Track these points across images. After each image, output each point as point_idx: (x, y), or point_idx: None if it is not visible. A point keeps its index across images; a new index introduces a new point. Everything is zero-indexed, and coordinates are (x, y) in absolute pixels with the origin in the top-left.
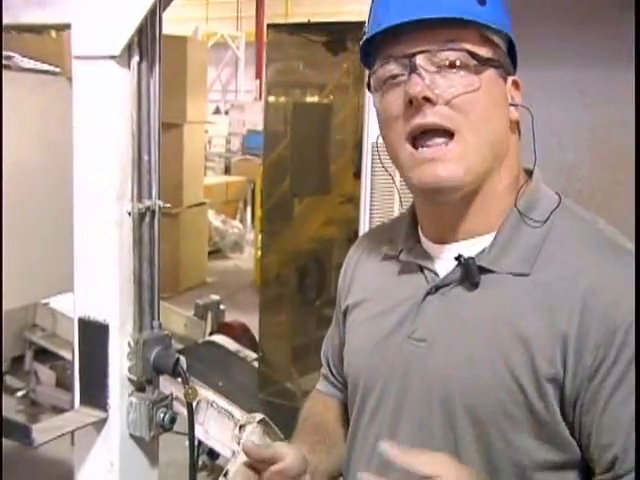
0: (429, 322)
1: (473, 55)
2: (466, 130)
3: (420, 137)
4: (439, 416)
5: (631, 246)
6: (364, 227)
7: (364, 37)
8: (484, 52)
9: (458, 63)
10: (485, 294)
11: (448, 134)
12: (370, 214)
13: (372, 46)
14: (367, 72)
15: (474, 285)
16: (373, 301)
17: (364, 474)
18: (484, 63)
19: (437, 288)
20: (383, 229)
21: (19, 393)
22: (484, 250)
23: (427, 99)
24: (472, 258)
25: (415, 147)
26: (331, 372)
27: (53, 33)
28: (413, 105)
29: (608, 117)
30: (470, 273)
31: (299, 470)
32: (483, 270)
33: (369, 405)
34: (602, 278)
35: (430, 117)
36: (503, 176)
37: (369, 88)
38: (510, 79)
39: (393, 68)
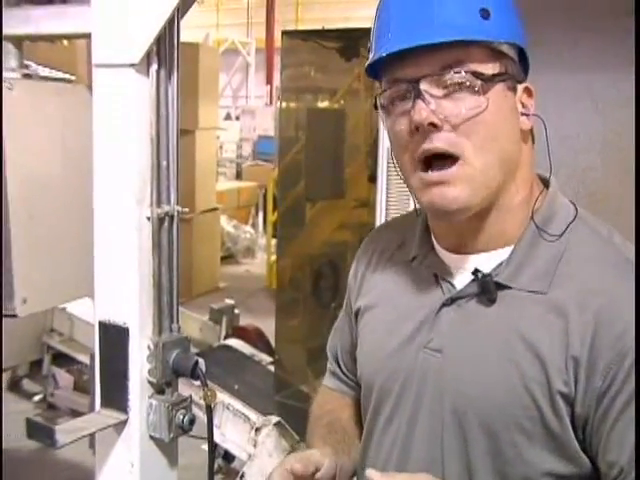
0: (445, 333)
1: (478, 75)
2: (472, 153)
3: (429, 160)
4: (451, 428)
5: None
6: None
7: (368, 60)
8: (490, 68)
9: (463, 86)
10: (501, 310)
11: (455, 157)
12: (386, 218)
13: (378, 63)
14: (375, 92)
15: (491, 301)
16: (386, 306)
17: (372, 471)
18: (490, 80)
19: (453, 300)
20: (393, 229)
21: (36, 397)
22: (501, 263)
23: (433, 125)
24: (489, 275)
25: (425, 170)
26: (340, 369)
27: (65, 41)
28: (419, 131)
29: (620, 121)
30: (487, 290)
31: (332, 476)
32: (500, 286)
33: (384, 411)
34: (614, 301)
35: (435, 142)
36: (519, 187)
37: (376, 108)
38: (521, 87)
39: (399, 91)
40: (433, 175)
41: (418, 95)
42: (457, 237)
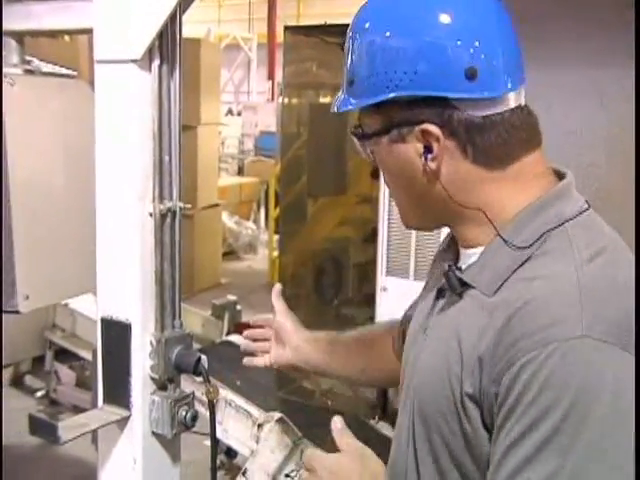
0: (432, 321)
1: (359, 135)
2: (393, 194)
3: None
4: (408, 409)
5: (602, 283)
6: (383, 226)
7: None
8: (374, 126)
9: (358, 140)
10: (460, 306)
11: None
12: (389, 214)
13: None
14: None
15: (459, 295)
16: (421, 296)
17: (335, 417)
18: (367, 138)
19: (443, 290)
20: None
21: (39, 393)
22: (472, 264)
23: None
24: (452, 271)
25: None
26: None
27: (67, 37)
28: None
29: (624, 117)
30: (450, 283)
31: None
32: (466, 283)
33: (401, 389)
34: (526, 308)
35: None
36: (461, 215)
37: None
38: (418, 130)
39: None
40: None
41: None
42: (455, 234)
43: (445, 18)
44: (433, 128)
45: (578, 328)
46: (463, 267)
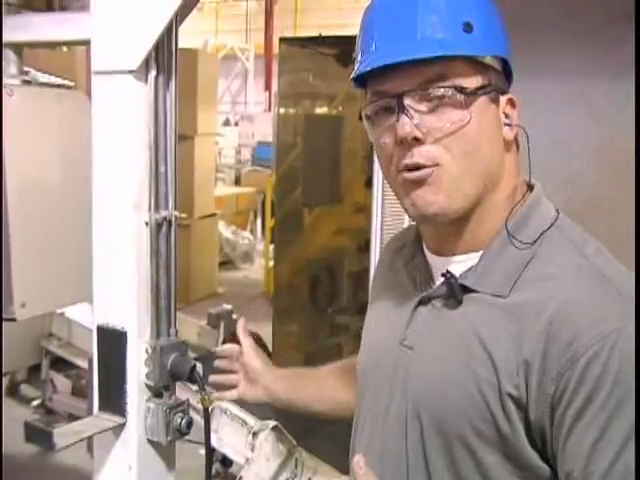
0: (417, 331)
1: (461, 89)
2: (451, 163)
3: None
4: (412, 424)
5: (617, 275)
6: (376, 236)
7: (352, 74)
8: (474, 82)
9: (446, 100)
10: (466, 311)
11: (432, 165)
12: (382, 223)
13: (363, 74)
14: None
15: (458, 302)
16: (379, 304)
17: (357, 457)
18: (473, 94)
19: (429, 299)
20: (401, 234)
21: (34, 402)
22: (472, 267)
23: (416, 139)
24: (455, 278)
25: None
26: None
27: (65, 48)
28: (403, 144)
29: (614, 127)
30: (453, 291)
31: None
32: (467, 288)
33: (367, 400)
34: (569, 306)
35: (417, 157)
36: (499, 196)
37: (360, 118)
38: (504, 98)
39: (383, 105)
40: (412, 175)
41: (402, 110)
42: (439, 240)
43: None
44: (515, 99)
45: (625, 314)
46: (457, 274)
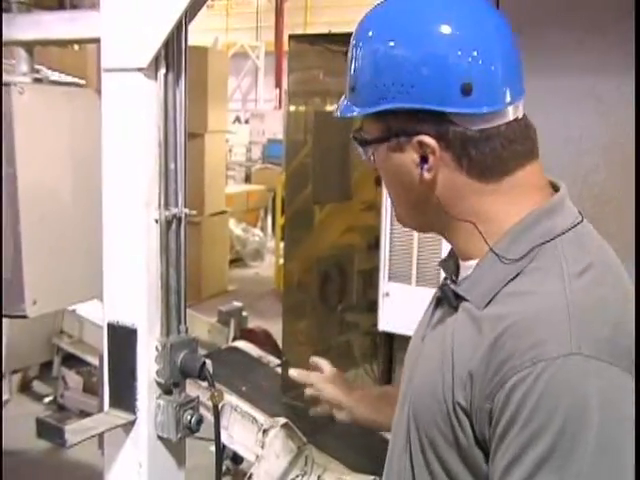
0: (429, 331)
1: (361, 140)
2: (391, 195)
3: None
4: (403, 426)
5: (589, 302)
6: (385, 233)
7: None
8: (374, 132)
9: (359, 147)
10: (455, 318)
11: None
12: (391, 221)
13: None
14: None
15: (454, 308)
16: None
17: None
18: (367, 145)
19: (442, 302)
20: None
21: (46, 399)
22: (467, 277)
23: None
24: (447, 284)
25: None
26: None
27: (76, 46)
28: None
29: (624, 123)
30: (446, 296)
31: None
32: (460, 296)
33: (399, 397)
34: (517, 325)
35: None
36: (454, 224)
37: None
38: (416, 140)
39: None
40: None
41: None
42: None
43: (446, 29)
44: (429, 140)
45: (567, 346)
46: (460, 280)
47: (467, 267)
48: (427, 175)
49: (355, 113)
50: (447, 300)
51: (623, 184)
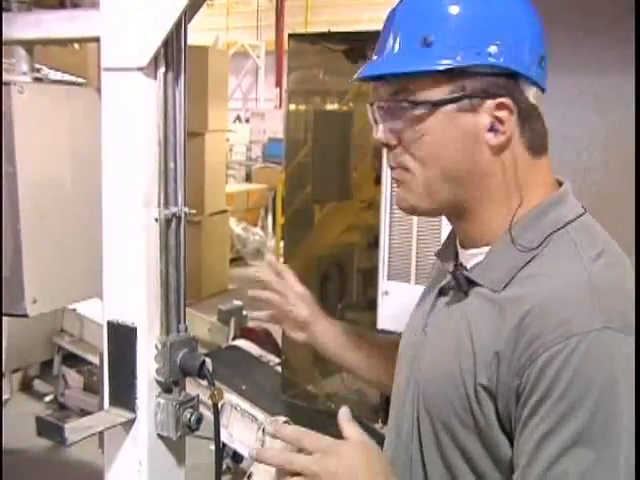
0: (434, 319)
1: (419, 102)
2: (416, 167)
3: None
4: (415, 406)
5: (608, 282)
6: (384, 232)
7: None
8: (438, 93)
9: (404, 111)
10: (467, 303)
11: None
12: (390, 219)
13: None
14: None
15: (465, 294)
16: (421, 296)
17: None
18: (429, 107)
19: (447, 290)
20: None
21: (47, 397)
22: (480, 262)
23: (385, 144)
24: (460, 269)
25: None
26: None
27: (76, 45)
28: (380, 148)
29: (622, 122)
30: (458, 282)
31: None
32: (473, 282)
33: (397, 387)
34: (544, 304)
35: (391, 160)
36: (495, 197)
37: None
38: (491, 103)
39: (369, 112)
40: (392, 174)
41: (373, 118)
42: (459, 233)
43: (530, 3)
44: (509, 102)
45: (597, 320)
46: (468, 267)
47: (471, 255)
48: (497, 140)
49: (442, 67)
50: (458, 286)
51: (622, 182)
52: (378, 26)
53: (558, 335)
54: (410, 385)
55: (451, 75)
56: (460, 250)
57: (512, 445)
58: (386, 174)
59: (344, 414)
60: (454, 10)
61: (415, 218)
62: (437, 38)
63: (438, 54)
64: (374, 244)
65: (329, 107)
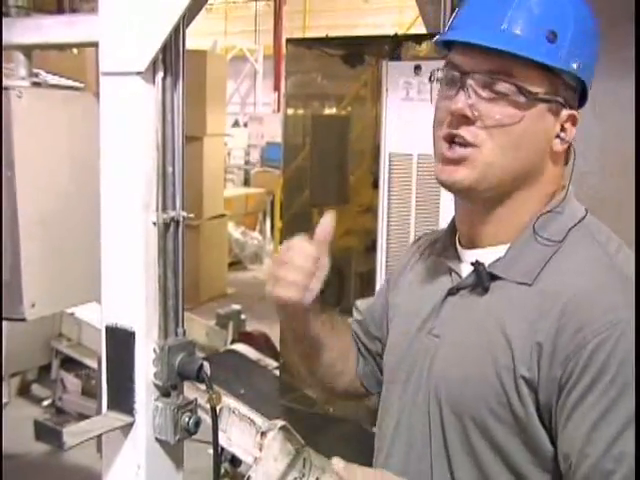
0: (445, 320)
1: (522, 90)
2: (490, 149)
3: (452, 142)
4: (434, 409)
5: (633, 271)
6: (382, 236)
7: (437, 37)
8: (536, 88)
9: (505, 94)
10: (491, 299)
11: (474, 146)
12: (388, 224)
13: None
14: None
15: (485, 290)
16: (410, 297)
17: (336, 460)
18: (533, 99)
19: (457, 289)
20: (433, 233)
21: (45, 402)
22: (500, 258)
23: (465, 116)
24: (482, 265)
25: (447, 146)
26: (362, 322)
27: (75, 50)
28: (453, 116)
29: (618, 126)
30: (480, 278)
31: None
32: (495, 277)
33: (396, 391)
34: (582, 295)
35: (462, 131)
36: (531, 195)
37: (430, 79)
38: (566, 113)
39: (449, 76)
40: (450, 153)
41: (463, 87)
42: (470, 231)
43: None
44: (577, 116)
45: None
46: (485, 264)
47: (487, 253)
48: (559, 147)
49: (570, 69)
50: (480, 283)
51: (619, 186)
52: (375, 31)
53: (606, 322)
54: (419, 392)
55: (552, 76)
56: (466, 251)
57: (549, 436)
58: (384, 178)
59: (338, 465)
60: (577, 16)
61: (412, 222)
62: (564, 38)
63: (558, 53)
64: (372, 248)
65: (327, 111)
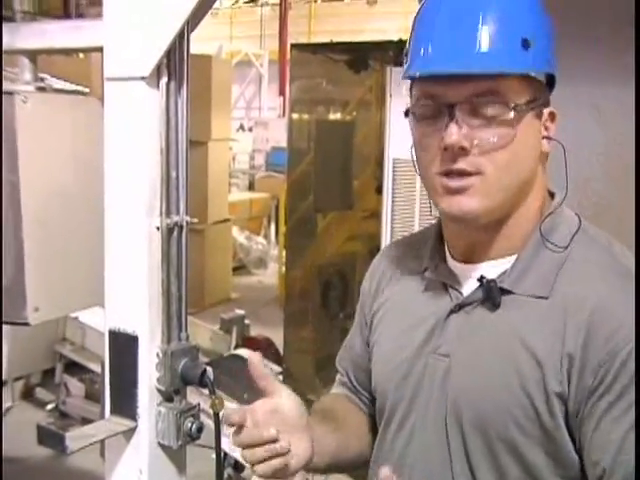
0: (452, 339)
1: (512, 107)
2: (493, 172)
3: (451, 172)
4: (454, 429)
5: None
6: (386, 241)
7: (405, 73)
8: (523, 97)
9: (496, 116)
10: (505, 314)
11: (476, 173)
12: (392, 229)
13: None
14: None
15: (496, 305)
16: (399, 316)
17: (384, 469)
18: (522, 111)
19: (461, 307)
20: (409, 242)
21: (49, 406)
22: (506, 271)
23: (463, 148)
24: (494, 280)
25: (446, 177)
26: (350, 382)
27: (81, 54)
28: (448, 151)
29: (622, 132)
30: (491, 294)
31: (297, 415)
32: (504, 291)
33: (397, 416)
34: (608, 302)
35: (461, 164)
36: (531, 203)
37: (406, 115)
38: (547, 111)
39: (432, 109)
40: (453, 183)
41: (452, 119)
42: (467, 247)
43: None
44: (555, 112)
45: None
46: (497, 277)
47: (490, 267)
48: (547, 148)
49: (536, 71)
50: (490, 298)
51: (622, 192)
52: (380, 36)
53: (631, 325)
54: (434, 414)
55: (530, 80)
56: (464, 266)
57: (574, 445)
58: (388, 184)
59: (385, 471)
60: (544, 16)
61: (416, 227)
62: (535, 41)
63: (535, 58)
64: (376, 253)
65: (332, 116)
